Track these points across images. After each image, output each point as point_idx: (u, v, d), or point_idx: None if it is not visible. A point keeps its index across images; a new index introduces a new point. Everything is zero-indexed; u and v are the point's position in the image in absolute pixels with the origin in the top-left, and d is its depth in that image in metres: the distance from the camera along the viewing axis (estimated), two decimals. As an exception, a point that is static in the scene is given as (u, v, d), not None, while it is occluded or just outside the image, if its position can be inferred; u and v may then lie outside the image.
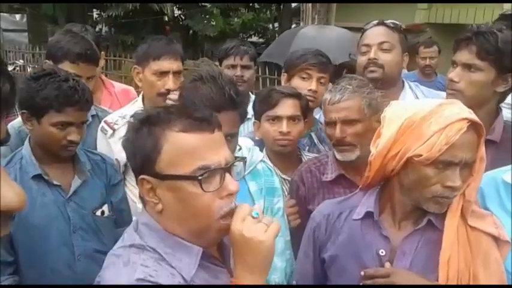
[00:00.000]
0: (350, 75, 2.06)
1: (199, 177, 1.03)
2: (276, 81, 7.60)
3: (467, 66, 1.82)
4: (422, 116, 1.31)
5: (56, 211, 1.86)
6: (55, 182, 1.88)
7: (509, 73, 1.81)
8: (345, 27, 7.47)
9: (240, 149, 1.80)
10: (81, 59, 2.36)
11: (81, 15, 10.36)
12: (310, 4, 7.69)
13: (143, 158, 1.07)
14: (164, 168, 1.06)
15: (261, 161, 1.88)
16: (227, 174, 1.08)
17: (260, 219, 1.07)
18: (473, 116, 1.31)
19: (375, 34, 2.34)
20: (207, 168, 1.04)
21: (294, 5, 10.71)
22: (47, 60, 2.43)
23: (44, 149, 1.88)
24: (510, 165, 1.55)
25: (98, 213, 1.95)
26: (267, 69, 7.96)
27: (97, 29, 10.83)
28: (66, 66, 2.30)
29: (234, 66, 2.92)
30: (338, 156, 1.94)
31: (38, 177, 1.86)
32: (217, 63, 3.22)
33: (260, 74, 7.86)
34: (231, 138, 1.63)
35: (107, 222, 1.97)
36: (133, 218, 1.31)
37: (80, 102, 1.81)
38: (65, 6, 9.86)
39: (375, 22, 2.38)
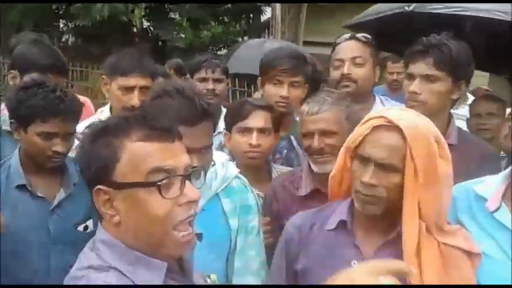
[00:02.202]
0: (328, 89, 2.08)
1: (158, 183, 1.00)
2: (246, 94, 7.62)
3: (427, 78, 1.90)
4: (367, 115, 1.46)
5: (37, 223, 1.83)
6: (39, 194, 1.85)
7: (462, 81, 1.93)
8: (314, 42, 7.58)
9: (214, 164, 1.76)
10: (50, 70, 2.30)
11: (48, 24, 10.15)
12: (279, 18, 7.77)
13: (99, 169, 1.04)
14: (121, 178, 1.02)
15: (236, 176, 1.83)
16: (187, 182, 1.05)
17: None
18: (392, 118, 1.37)
19: (348, 49, 2.37)
20: (162, 170, 1.02)
21: (263, 19, 10.81)
22: (12, 71, 2.34)
23: (31, 159, 1.86)
24: (482, 177, 1.57)
25: (81, 228, 1.89)
26: (236, 81, 7.97)
27: (63, 38, 10.64)
28: (31, 77, 2.19)
29: (205, 80, 2.90)
30: (315, 168, 1.92)
31: (22, 187, 1.84)
32: (187, 76, 3.20)
33: (230, 86, 7.87)
34: (206, 150, 1.60)
35: (88, 238, 1.91)
36: None
37: (65, 113, 1.79)
38: (33, 14, 9.65)
39: (347, 36, 2.41)
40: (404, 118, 1.37)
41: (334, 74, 2.37)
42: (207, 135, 1.60)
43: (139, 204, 1.02)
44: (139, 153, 1.03)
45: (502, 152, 2.65)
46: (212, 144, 1.67)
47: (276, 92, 2.31)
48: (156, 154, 1.03)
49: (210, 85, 2.88)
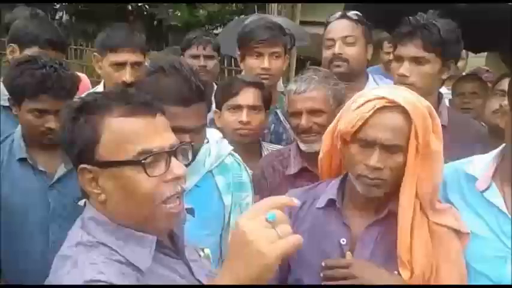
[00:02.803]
0: (314, 67, 2.07)
1: (143, 161, 1.00)
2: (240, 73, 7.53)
3: (415, 60, 1.90)
4: (355, 97, 1.41)
5: (37, 197, 1.85)
6: (40, 168, 1.86)
7: (451, 60, 1.92)
8: (311, 21, 7.50)
9: (208, 141, 1.76)
10: (51, 45, 2.29)
11: (41, 1, 9.99)
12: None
13: (82, 147, 1.03)
14: (105, 156, 1.02)
15: (229, 154, 1.83)
16: (173, 158, 1.05)
17: (275, 224, 0.84)
18: (395, 98, 1.33)
19: (339, 28, 2.36)
20: (149, 152, 1.01)
21: (260, -3, 10.68)
22: (11, 45, 2.33)
23: (29, 135, 1.87)
24: (472, 156, 1.58)
25: (81, 203, 1.90)
26: (232, 61, 7.90)
27: (57, 17, 10.47)
28: (32, 52, 2.19)
29: (196, 56, 2.90)
30: (303, 147, 1.93)
31: (23, 161, 1.86)
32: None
33: (226, 65, 7.80)
34: (200, 129, 1.60)
35: None
36: None
37: (53, 90, 1.77)
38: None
39: (338, 15, 2.40)
40: (404, 96, 1.36)
41: (326, 54, 2.37)
42: (202, 115, 1.60)
43: (125, 183, 1.02)
44: (122, 129, 1.02)
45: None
46: (206, 124, 1.67)
47: (257, 64, 2.32)
48: (140, 133, 1.02)
49: (202, 62, 2.88)
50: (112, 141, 1.02)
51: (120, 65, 2.30)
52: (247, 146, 2.14)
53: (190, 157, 1.13)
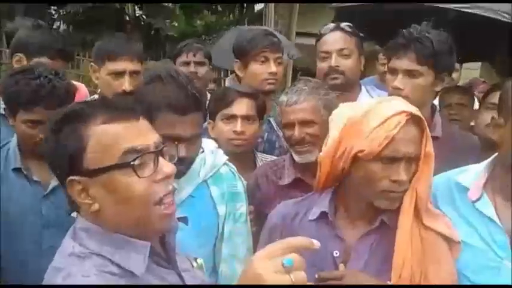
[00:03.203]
0: (305, 78, 2.10)
1: (131, 163, 1.00)
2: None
3: (409, 73, 1.92)
4: (363, 113, 1.36)
5: (30, 206, 1.84)
6: (34, 178, 1.86)
7: (445, 72, 1.95)
8: (307, 33, 7.55)
9: (203, 151, 1.77)
10: (59, 55, 2.32)
11: (38, 11, 10.02)
12: (272, 8, 7.73)
13: (69, 159, 1.03)
14: (93, 164, 1.02)
15: (224, 164, 1.83)
16: (160, 158, 1.05)
17: (290, 270, 0.82)
18: (411, 109, 1.35)
19: (334, 40, 2.38)
20: (134, 151, 1.01)
21: (257, 8, 10.75)
22: (18, 54, 2.33)
23: (24, 145, 1.87)
24: (463, 167, 1.59)
25: (74, 214, 1.90)
26: (229, 72, 7.95)
27: (55, 26, 10.51)
28: (41, 62, 2.22)
29: (187, 63, 2.94)
30: (297, 158, 1.94)
31: (18, 171, 1.86)
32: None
33: (222, 76, 7.86)
34: (196, 139, 1.61)
35: None
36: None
37: (47, 101, 1.76)
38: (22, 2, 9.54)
39: (331, 26, 2.42)
40: (414, 107, 1.37)
41: (321, 66, 2.39)
42: (198, 124, 1.60)
43: (116, 188, 1.02)
44: (106, 136, 1.02)
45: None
46: (201, 133, 1.68)
47: (263, 70, 2.34)
48: (124, 135, 1.03)
49: (192, 68, 2.92)
50: (98, 148, 1.02)
51: (119, 74, 2.31)
52: (241, 156, 2.14)
53: (176, 158, 1.13)
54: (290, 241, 0.87)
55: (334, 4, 3.08)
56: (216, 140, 2.11)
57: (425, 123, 1.37)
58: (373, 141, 1.32)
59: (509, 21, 2.48)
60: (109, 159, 1.01)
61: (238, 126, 2.09)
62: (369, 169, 1.35)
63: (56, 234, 1.81)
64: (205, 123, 2.30)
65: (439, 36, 1.93)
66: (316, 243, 0.87)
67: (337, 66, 2.34)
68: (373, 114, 1.35)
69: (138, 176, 1.01)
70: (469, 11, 2.52)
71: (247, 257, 1.81)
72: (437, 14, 2.57)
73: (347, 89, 2.36)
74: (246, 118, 2.11)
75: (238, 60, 2.45)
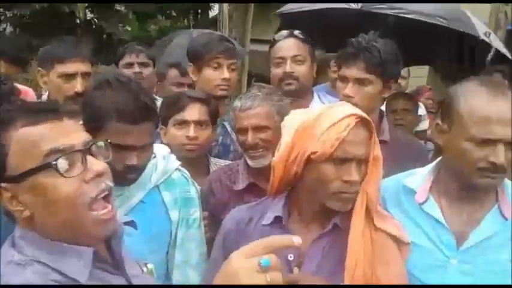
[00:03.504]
0: (259, 84, 2.12)
1: (53, 163, 0.97)
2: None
3: (359, 81, 1.99)
4: (314, 117, 1.40)
5: None
6: None
7: (392, 80, 2.04)
8: (261, 40, 7.61)
9: (155, 156, 1.74)
10: (16, 60, 2.24)
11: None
12: (227, 15, 7.75)
13: None
14: (16, 169, 0.99)
15: (177, 169, 1.81)
16: (89, 156, 1.02)
17: (267, 270, 0.82)
18: (360, 113, 1.40)
19: (288, 47, 2.42)
20: (57, 151, 0.98)
21: (211, 15, 10.75)
22: None
23: None
24: (410, 170, 1.65)
25: None
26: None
27: (1, 28, 10.10)
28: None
29: (131, 64, 2.91)
30: (251, 163, 1.95)
31: None
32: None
33: None
34: (148, 147, 1.58)
35: None
36: None
37: None
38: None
39: (285, 33, 2.46)
40: (361, 110, 1.42)
41: (276, 72, 2.41)
42: (149, 133, 1.57)
43: (43, 191, 0.99)
44: (27, 139, 1.00)
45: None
46: (153, 142, 1.65)
47: (216, 76, 2.34)
48: (46, 136, 1.00)
49: (136, 68, 2.90)
50: (19, 152, 1.00)
51: (70, 76, 2.25)
52: (195, 161, 2.13)
53: (110, 155, 1.10)
54: (271, 240, 0.86)
55: (278, 10, 3.14)
56: (168, 145, 2.09)
57: (374, 127, 1.42)
58: (325, 142, 1.36)
59: (445, 25, 2.60)
60: (31, 161, 0.99)
61: (191, 131, 2.08)
62: (321, 171, 1.38)
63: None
64: (157, 129, 2.28)
65: (386, 46, 2.01)
66: (297, 240, 0.87)
67: (292, 72, 2.37)
68: (325, 117, 1.39)
69: (63, 176, 0.98)
70: (407, 16, 2.63)
71: (200, 263, 1.80)
72: (378, 19, 2.68)
73: (300, 95, 2.40)
74: (198, 123, 2.10)
75: (192, 64, 2.43)
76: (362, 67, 1.97)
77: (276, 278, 0.83)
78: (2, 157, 0.99)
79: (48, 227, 1.02)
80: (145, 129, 1.53)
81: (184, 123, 2.09)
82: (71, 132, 1.03)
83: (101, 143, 1.09)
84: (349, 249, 1.39)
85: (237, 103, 1.96)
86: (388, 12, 2.63)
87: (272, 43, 2.47)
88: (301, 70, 2.40)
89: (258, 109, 1.91)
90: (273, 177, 1.49)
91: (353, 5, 2.61)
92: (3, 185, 1.00)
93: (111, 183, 1.05)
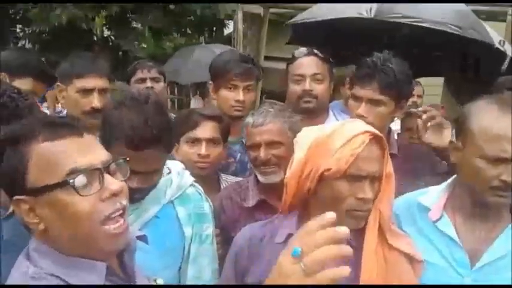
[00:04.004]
0: (270, 101, 2.13)
1: (71, 181, 0.99)
2: (182, 101, 7.73)
3: (372, 102, 2.00)
4: (327, 134, 1.40)
5: (21, 242, 1.75)
6: None
7: (404, 100, 2.05)
8: (275, 57, 7.66)
9: (169, 172, 1.76)
10: (43, 77, 2.31)
11: (3, 30, 9.83)
12: (241, 32, 7.84)
13: (12, 179, 1.02)
14: (36, 183, 1.01)
15: (191, 185, 1.82)
16: (107, 175, 1.04)
17: (300, 259, 0.81)
18: (373, 130, 1.41)
19: (308, 65, 2.43)
20: (77, 171, 1.00)
21: (226, 32, 10.87)
22: (2, 73, 2.31)
23: None
24: (425, 188, 1.65)
25: None
26: (176, 90, 8.05)
27: (20, 44, 10.33)
28: (26, 82, 2.25)
29: (143, 80, 2.95)
30: (261, 179, 1.95)
31: None
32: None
33: (177, 95, 7.95)
34: (152, 173, 1.57)
35: None
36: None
37: (9, 121, 1.67)
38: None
39: (305, 51, 2.47)
40: (374, 128, 1.43)
41: (295, 89, 2.42)
42: (154, 160, 1.54)
43: (60, 207, 1.00)
44: (48, 154, 1.01)
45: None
46: (160, 168, 1.62)
47: (231, 96, 2.37)
48: (67, 153, 1.01)
49: (148, 83, 2.93)
50: (40, 167, 1.01)
51: (87, 91, 2.29)
52: (206, 178, 2.14)
53: (128, 173, 1.11)
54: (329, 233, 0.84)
55: (290, 21, 3.12)
56: (180, 162, 2.11)
57: (386, 144, 1.43)
58: (339, 159, 1.35)
59: (460, 33, 2.54)
60: (51, 177, 1.00)
61: (203, 149, 2.09)
62: (335, 188, 1.37)
63: (16, 258, 1.78)
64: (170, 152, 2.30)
65: (399, 66, 2.02)
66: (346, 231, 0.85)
67: (311, 90, 2.39)
68: (338, 134, 1.39)
69: (80, 195, 1.00)
70: (420, 24, 2.57)
71: (212, 280, 1.80)
72: (391, 30, 2.66)
73: (317, 113, 2.42)
74: (210, 141, 2.11)
75: (212, 82, 2.47)
76: (376, 88, 1.98)
77: (345, 250, 0.82)
78: (23, 170, 1.01)
79: (62, 240, 1.03)
80: (150, 156, 1.51)
81: (196, 140, 2.11)
82: (91, 149, 1.05)
83: (120, 161, 1.10)
84: (362, 267, 1.38)
85: (249, 119, 1.97)
86: (402, 21, 2.57)
87: (291, 60, 2.48)
88: (320, 89, 2.42)
89: (270, 125, 1.92)
90: (286, 194, 1.49)
91: (365, 14, 2.55)
92: (22, 197, 1.01)
93: (125, 202, 1.06)
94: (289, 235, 1.47)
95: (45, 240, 1.04)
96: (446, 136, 1.92)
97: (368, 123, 1.90)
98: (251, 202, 1.98)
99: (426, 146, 2.02)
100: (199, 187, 1.87)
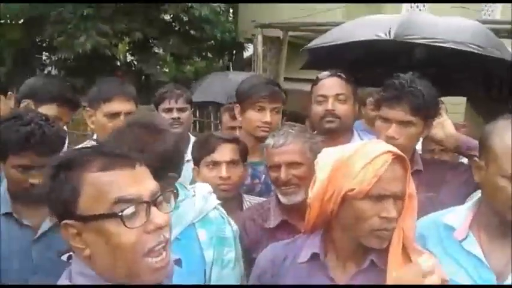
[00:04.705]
0: (290, 123, 2.15)
1: (120, 214, 1.00)
2: (212, 124, 7.82)
3: (403, 123, 1.98)
4: (349, 155, 1.40)
5: (21, 251, 1.80)
6: (25, 222, 1.83)
7: (431, 120, 2.05)
8: (294, 78, 7.71)
9: (194, 195, 1.77)
10: (68, 103, 2.36)
11: (29, 57, 10.16)
12: (261, 55, 7.93)
13: (63, 204, 1.04)
14: (85, 210, 1.03)
15: (214, 208, 1.82)
16: (153, 208, 1.05)
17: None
18: (396, 150, 1.40)
19: (331, 85, 2.43)
20: (125, 200, 1.02)
21: (245, 55, 11.01)
22: (26, 100, 2.37)
23: (13, 190, 1.84)
24: (449, 208, 1.63)
25: (64, 257, 1.86)
26: (205, 112, 8.16)
27: (46, 71, 10.63)
28: (50, 109, 2.28)
29: (170, 110, 2.99)
30: (283, 200, 1.94)
31: (9, 215, 1.83)
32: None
33: (198, 117, 8.06)
34: None
35: None
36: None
37: (37, 147, 1.76)
38: (14, 47, 9.68)
39: (328, 72, 2.47)
40: (396, 148, 1.43)
41: (318, 110, 2.42)
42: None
43: (106, 236, 1.02)
44: (100, 184, 1.03)
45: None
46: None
47: (258, 117, 2.40)
48: (118, 183, 1.03)
49: (175, 114, 2.97)
50: (90, 195, 1.03)
51: (114, 115, 2.34)
52: (229, 200, 2.14)
53: (173, 204, 1.13)
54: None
55: (306, 46, 3.13)
56: None
57: (409, 164, 1.42)
58: (362, 180, 1.35)
59: (481, 53, 2.50)
60: (101, 207, 1.02)
61: (223, 171, 2.11)
62: (358, 208, 1.37)
63: (45, 280, 1.76)
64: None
65: (427, 87, 2.01)
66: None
67: (333, 110, 2.38)
68: (360, 155, 1.39)
69: (126, 227, 1.01)
70: (441, 45, 2.54)
71: None
72: (408, 50, 2.65)
73: (341, 133, 2.41)
74: (230, 163, 2.14)
75: (238, 105, 2.50)
76: (407, 109, 1.97)
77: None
78: (74, 196, 1.03)
79: (105, 268, 1.04)
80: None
81: (215, 164, 2.13)
82: (141, 181, 1.06)
83: (169, 194, 1.12)
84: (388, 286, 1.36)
85: (270, 140, 1.98)
86: (421, 41, 2.55)
87: (315, 81, 2.49)
88: (343, 109, 2.41)
89: (291, 146, 1.92)
90: (309, 215, 1.48)
91: (383, 36, 2.53)
92: (71, 222, 1.04)
93: (168, 235, 1.08)
94: (313, 254, 1.46)
95: (89, 264, 1.06)
96: (449, 129, 2.05)
97: (398, 144, 1.90)
98: (273, 223, 1.97)
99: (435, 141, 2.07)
100: (223, 210, 1.87)
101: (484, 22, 4.16)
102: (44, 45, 10.48)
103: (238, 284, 1.82)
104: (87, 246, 1.04)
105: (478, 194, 1.64)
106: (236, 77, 6.07)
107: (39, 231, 1.83)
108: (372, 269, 1.41)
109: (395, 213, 1.36)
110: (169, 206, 1.12)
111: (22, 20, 9.69)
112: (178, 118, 2.97)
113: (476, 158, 1.55)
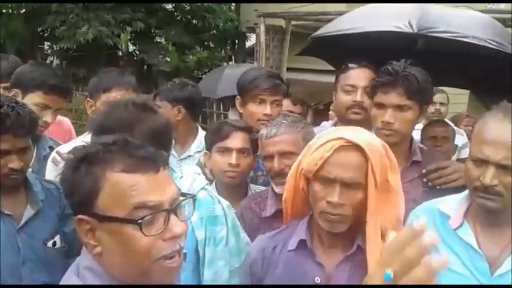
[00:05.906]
0: (284, 113, 2.16)
1: (139, 221, 0.98)
2: (206, 113, 7.93)
3: (398, 108, 1.97)
4: (316, 138, 1.49)
5: (5, 242, 1.77)
6: (6, 212, 1.80)
7: (425, 106, 2.06)
8: (297, 68, 7.69)
9: (182, 177, 1.78)
10: (54, 90, 2.33)
11: (31, 47, 10.15)
12: (264, 45, 7.90)
13: (81, 198, 1.02)
14: (103, 210, 1.00)
15: (202, 188, 1.83)
16: (172, 216, 1.02)
17: (392, 282, 0.75)
18: (352, 138, 1.41)
19: (361, 76, 2.37)
20: (145, 207, 0.99)
21: (248, 45, 10.96)
22: (14, 89, 2.36)
23: None
24: (445, 196, 1.63)
25: (50, 244, 1.87)
26: (221, 105, 8.14)
27: (48, 61, 10.63)
28: (37, 97, 2.28)
29: None
30: (276, 189, 1.96)
31: None
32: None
33: (215, 109, 8.06)
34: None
35: (57, 254, 1.89)
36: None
37: (13, 129, 1.74)
38: (16, 38, 9.67)
39: (358, 63, 2.41)
40: (360, 137, 1.43)
41: (345, 99, 2.37)
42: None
43: (121, 239, 1.00)
44: (122, 185, 1.00)
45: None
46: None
47: (259, 110, 2.40)
48: (140, 188, 1.00)
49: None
50: (111, 195, 1.00)
51: None
52: (235, 187, 2.19)
53: (193, 209, 1.11)
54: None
55: (314, 34, 3.07)
56: (211, 170, 2.16)
57: (368, 155, 1.40)
58: (312, 160, 1.43)
59: (499, 49, 2.46)
60: (120, 210, 0.99)
61: (233, 159, 2.13)
62: (312, 189, 1.44)
63: (34, 269, 1.80)
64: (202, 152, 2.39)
65: (420, 73, 2.00)
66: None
67: (362, 102, 2.34)
68: (320, 138, 1.47)
69: (144, 234, 0.99)
70: (463, 39, 2.48)
71: (230, 280, 1.80)
72: (406, 41, 2.62)
73: (364, 125, 2.37)
74: (241, 151, 2.16)
75: (239, 98, 2.51)
76: (402, 93, 1.96)
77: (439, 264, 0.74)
78: (94, 193, 1.01)
79: (115, 266, 1.03)
80: None
81: (227, 150, 2.15)
82: (163, 187, 1.03)
83: (189, 202, 1.10)
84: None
85: (263, 131, 2.00)
86: (444, 36, 2.47)
87: (343, 70, 2.43)
88: (370, 102, 2.39)
89: (284, 136, 1.93)
90: (286, 191, 1.55)
91: (405, 29, 2.44)
92: (86, 218, 1.02)
93: (183, 243, 1.06)
94: (301, 242, 1.49)
95: (98, 260, 1.04)
96: None
97: (396, 129, 1.95)
98: (269, 212, 1.99)
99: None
100: (212, 190, 1.89)
101: (489, 12, 4.10)
102: (46, 35, 10.46)
103: (232, 258, 1.83)
104: (99, 244, 1.02)
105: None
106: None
107: (23, 220, 1.82)
108: (359, 253, 1.44)
109: (338, 198, 1.38)
110: (189, 210, 1.09)
111: (24, 10, 9.65)
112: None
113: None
